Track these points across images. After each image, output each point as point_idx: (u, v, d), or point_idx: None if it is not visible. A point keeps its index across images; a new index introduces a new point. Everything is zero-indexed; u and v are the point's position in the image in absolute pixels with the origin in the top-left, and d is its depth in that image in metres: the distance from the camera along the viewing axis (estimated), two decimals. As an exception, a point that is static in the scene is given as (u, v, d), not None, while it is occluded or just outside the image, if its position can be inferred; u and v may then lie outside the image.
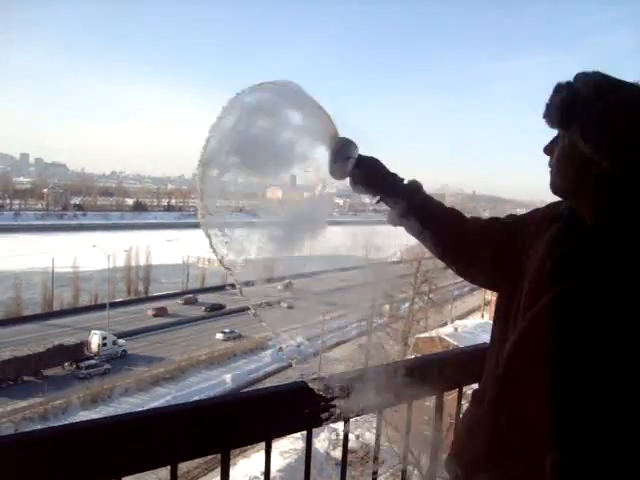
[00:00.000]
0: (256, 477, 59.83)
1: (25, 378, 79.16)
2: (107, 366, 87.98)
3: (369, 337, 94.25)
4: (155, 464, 2.69)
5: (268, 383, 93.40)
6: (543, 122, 2.98)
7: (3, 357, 75.77)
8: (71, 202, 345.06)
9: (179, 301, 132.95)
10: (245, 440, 3.14)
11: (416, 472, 43.00)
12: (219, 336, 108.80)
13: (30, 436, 2.55)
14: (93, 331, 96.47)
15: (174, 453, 2.76)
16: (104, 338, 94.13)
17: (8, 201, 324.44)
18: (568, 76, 2.76)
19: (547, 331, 2.62)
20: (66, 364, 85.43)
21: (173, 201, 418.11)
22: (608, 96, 2.53)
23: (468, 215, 4.80)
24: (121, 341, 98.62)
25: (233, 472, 58.84)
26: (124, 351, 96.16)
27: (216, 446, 3.01)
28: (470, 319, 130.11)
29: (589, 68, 2.83)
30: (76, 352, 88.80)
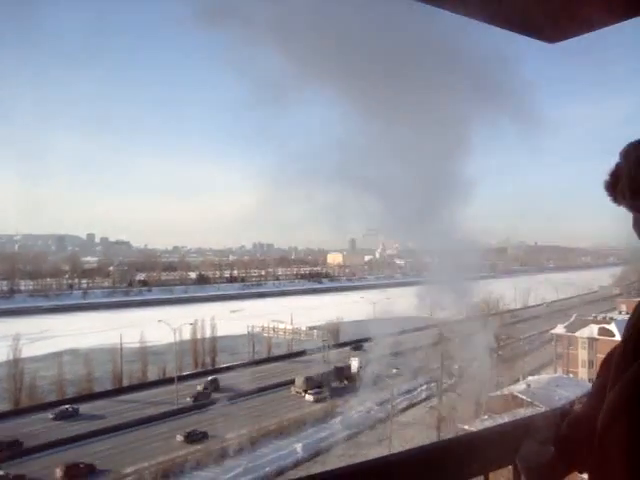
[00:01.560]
0: None
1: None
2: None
3: (439, 399, 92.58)
4: None
5: (340, 450, 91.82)
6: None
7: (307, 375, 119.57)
8: (136, 278, 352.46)
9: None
10: None
11: None
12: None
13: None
14: (352, 358, 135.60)
15: None
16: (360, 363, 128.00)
17: (77, 280, 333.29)
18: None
19: (632, 403, 2.61)
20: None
21: (235, 272, 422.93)
22: None
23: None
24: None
25: None
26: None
27: None
28: (543, 374, 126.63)
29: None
30: (344, 371, 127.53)
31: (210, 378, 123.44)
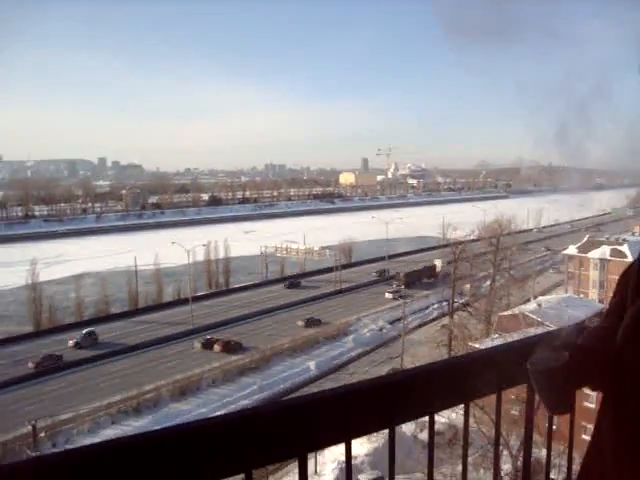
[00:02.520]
0: (343, 461, 60.14)
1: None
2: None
3: (451, 317, 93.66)
4: (230, 472, 2.58)
5: (352, 368, 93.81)
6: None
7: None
8: (149, 201, 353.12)
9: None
10: (324, 443, 2.93)
11: (506, 452, 42.45)
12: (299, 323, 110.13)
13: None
14: (436, 259, 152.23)
15: (250, 459, 2.63)
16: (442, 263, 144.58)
17: (90, 204, 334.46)
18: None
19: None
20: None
21: (247, 193, 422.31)
22: None
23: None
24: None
25: (321, 458, 59.48)
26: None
27: (294, 450, 2.84)
28: (553, 294, 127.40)
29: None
30: (431, 270, 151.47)
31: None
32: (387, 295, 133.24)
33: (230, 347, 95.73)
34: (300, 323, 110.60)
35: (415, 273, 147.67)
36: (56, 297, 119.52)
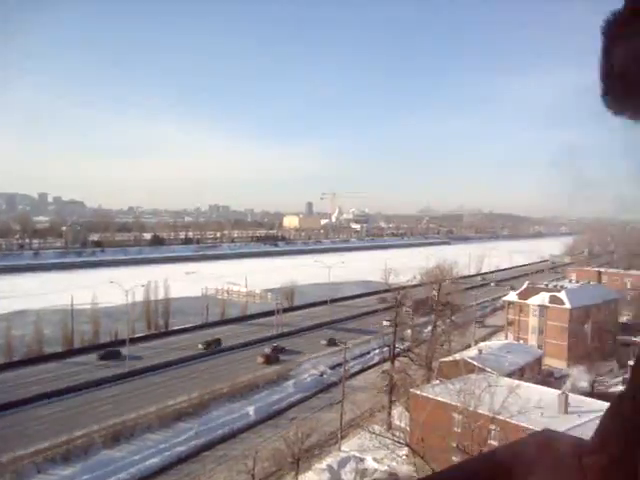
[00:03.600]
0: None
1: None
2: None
3: (392, 363, 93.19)
4: None
5: (292, 414, 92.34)
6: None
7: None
8: (90, 239, 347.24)
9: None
10: None
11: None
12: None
13: None
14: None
15: None
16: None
17: (28, 240, 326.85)
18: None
19: None
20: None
21: (190, 234, 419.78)
22: None
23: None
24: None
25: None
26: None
27: None
28: (494, 340, 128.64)
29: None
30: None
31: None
32: (384, 322, 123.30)
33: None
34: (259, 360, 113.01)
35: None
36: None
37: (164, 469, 71.58)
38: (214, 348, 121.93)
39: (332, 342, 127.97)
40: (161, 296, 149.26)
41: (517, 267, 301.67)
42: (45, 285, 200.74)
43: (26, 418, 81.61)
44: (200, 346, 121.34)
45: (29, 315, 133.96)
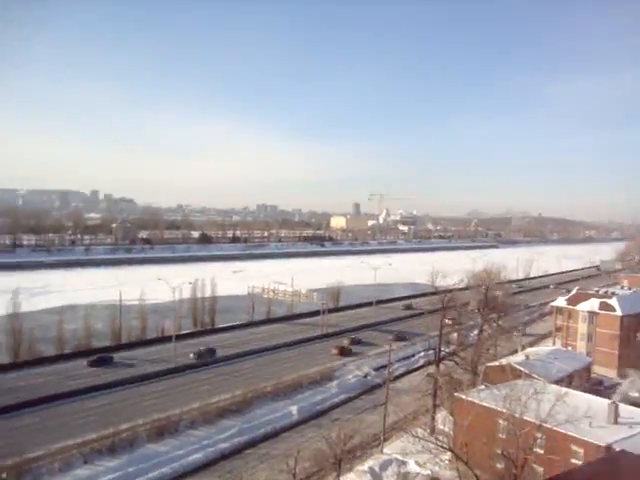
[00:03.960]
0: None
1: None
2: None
3: (437, 366, 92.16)
4: None
5: (335, 415, 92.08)
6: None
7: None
8: (139, 236, 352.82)
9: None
10: None
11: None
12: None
13: None
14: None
15: None
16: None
17: (79, 236, 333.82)
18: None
19: None
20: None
21: (238, 232, 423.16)
22: None
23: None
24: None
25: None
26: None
27: None
28: (541, 346, 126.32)
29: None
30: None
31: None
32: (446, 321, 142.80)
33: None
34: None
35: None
36: (39, 328, 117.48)
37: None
38: (207, 359, 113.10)
39: (400, 337, 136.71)
40: (208, 294, 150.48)
41: (565, 272, 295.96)
42: (95, 280, 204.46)
43: (72, 410, 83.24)
44: (191, 356, 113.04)
45: (79, 309, 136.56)
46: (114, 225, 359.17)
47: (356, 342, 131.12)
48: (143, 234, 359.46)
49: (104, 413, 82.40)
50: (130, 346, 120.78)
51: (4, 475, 57.22)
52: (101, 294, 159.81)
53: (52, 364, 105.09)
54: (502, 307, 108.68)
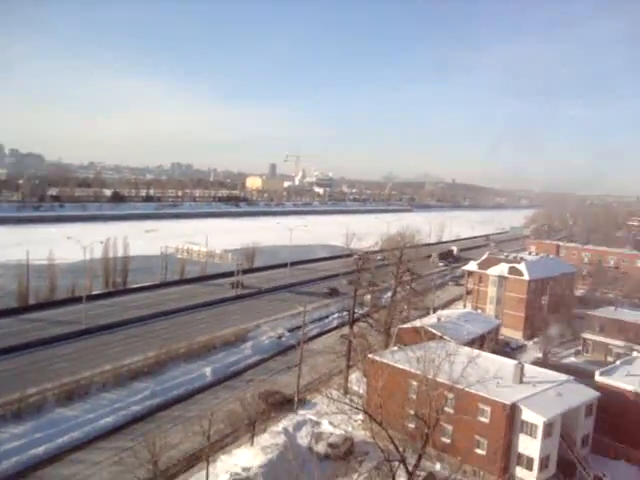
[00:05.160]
0: (237, 473, 58.54)
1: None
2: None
3: (350, 327, 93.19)
4: None
5: (249, 376, 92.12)
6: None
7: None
8: (48, 193, 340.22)
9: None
10: None
11: (402, 467, 41.95)
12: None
13: None
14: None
15: None
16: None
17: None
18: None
19: None
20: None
21: (152, 191, 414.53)
22: None
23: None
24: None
25: (213, 469, 57.62)
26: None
27: None
28: (452, 308, 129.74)
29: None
30: (450, 253, 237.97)
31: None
32: (440, 264, 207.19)
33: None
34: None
35: (444, 254, 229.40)
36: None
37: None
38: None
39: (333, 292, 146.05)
40: (120, 253, 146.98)
41: (477, 237, 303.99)
42: (1, 239, 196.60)
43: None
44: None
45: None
46: (21, 181, 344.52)
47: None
48: (52, 191, 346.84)
49: (9, 377, 79.55)
50: (38, 307, 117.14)
51: None
52: (7, 253, 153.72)
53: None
54: (415, 270, 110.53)
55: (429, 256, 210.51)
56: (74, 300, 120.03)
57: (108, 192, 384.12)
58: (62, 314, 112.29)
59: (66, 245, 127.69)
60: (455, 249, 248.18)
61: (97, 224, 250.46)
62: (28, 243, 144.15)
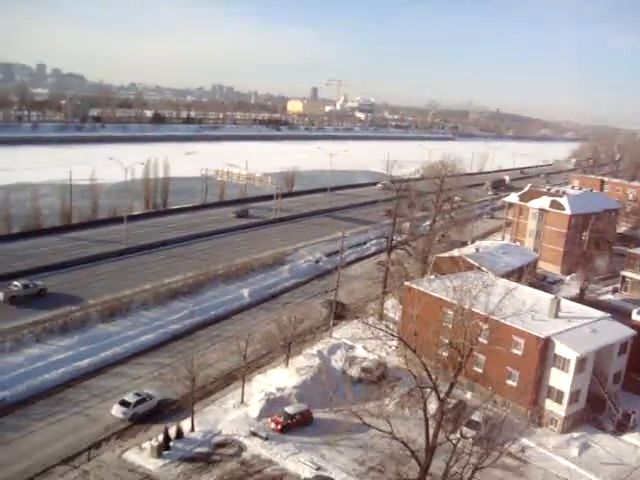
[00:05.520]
0: (272, 392, 59.93)
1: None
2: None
3: (388, 254, 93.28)
4: None
5: (285, 299, 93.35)
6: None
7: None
8: (89, 114, 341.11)
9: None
10: None
11: (433, 394, 42.41)
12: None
13: None
14: (505, 175, 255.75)
15: None
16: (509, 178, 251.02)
17: (26, 112, 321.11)
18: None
19: None
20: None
21: (192, 113, 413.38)
22: None
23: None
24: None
25: (248, 388, 58.95)
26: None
27: None
28: (491, 240, 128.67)
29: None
30: (502, 181, 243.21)
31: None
32: (489, 192, 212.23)
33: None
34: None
35: (496, 182, 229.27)
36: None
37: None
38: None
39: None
40: (160, 175, 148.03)
41: (518, 168, 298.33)
42: (44, 159, 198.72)
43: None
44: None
45: (28, 188, 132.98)
46: (63, 102, 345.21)
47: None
48: (94, 112, 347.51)
49: (53, 294, 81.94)
50: (81, 226, 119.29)
51: None
52: (50, 173, 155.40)
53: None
54: (455, 199, 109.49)
55: (482, 184, 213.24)
56: (115, 220, 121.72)
57: (149, 113, 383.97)
58: (103, 234, 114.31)
59: (108, 166, 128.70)
60: (507, 178, 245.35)
61: (138, 145, 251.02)
62: (71, 163, 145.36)
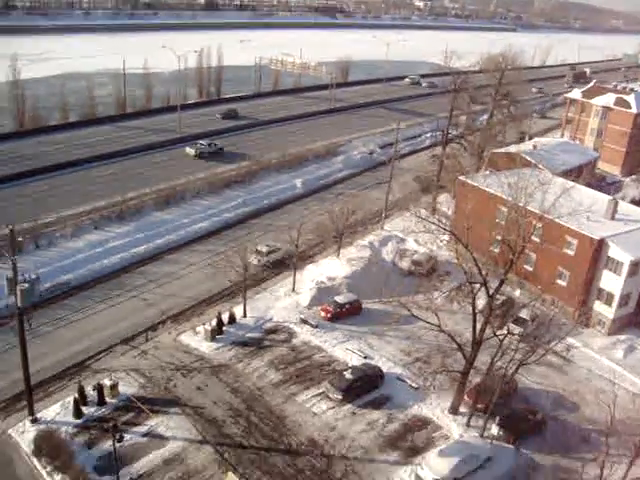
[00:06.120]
0: (322, 282, 61.00)
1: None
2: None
3: (443, 148, 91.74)
4: None
5: (338, 190, 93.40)
6: None
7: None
8: (141, 0, 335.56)
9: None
10: None
11: (483, 290, 42.66)
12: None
13: None
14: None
15: None
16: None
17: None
18: None
19: None
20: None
21: (246, 0, 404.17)
22: None
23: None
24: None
25: (299, 276, 60.21)
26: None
27: None
28: (549, 137, 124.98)
29: None
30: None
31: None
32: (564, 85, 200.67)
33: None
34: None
35: (577, 74, 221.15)
36: (40, 96, 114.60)
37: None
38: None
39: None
40: (214, 63, 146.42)
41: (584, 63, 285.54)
42: (96, 47, 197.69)
43: (80, 179, 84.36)
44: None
45: (81, 78, 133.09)
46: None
47: None
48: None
49: (111, 182, 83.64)
50: (135, 115, 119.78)
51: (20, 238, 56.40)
52: (104, 62, 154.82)
53: (57, 132, 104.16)
54: (514, 93, 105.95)
55: (562, 76, 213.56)
56: (169, 109, 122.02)
57: (202, 0, 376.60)
58: (158, 122, 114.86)
59: (160, 54, 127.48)
60: (588, 70, 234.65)
61: (191, 33, 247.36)
62: (124, 51, 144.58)
